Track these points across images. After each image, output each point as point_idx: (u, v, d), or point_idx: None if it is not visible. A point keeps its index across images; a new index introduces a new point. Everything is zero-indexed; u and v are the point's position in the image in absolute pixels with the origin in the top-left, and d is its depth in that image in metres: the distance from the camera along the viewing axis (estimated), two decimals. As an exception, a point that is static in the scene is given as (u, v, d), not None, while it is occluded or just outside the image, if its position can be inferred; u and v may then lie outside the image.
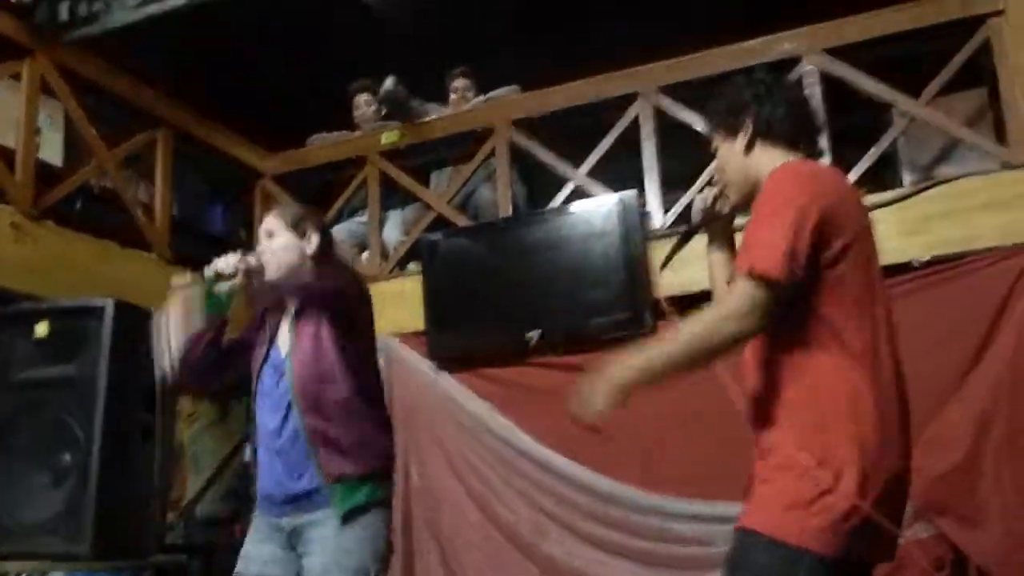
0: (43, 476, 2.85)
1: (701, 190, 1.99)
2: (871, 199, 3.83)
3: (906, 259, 3.65)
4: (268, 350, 2.39)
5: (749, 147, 1.86)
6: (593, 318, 4.04)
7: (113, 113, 4.43)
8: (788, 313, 1.66)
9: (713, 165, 1.96)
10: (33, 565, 2.87)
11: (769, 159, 1.83)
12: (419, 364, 4.36)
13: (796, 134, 1.86)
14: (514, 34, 5.61)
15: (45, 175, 3.87)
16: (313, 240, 2.40)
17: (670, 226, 4.14)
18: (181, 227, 4.72)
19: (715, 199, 1.95)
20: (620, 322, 3.95)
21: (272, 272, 2.34)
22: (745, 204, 1.87)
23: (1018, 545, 3.28)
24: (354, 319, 2.36)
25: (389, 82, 4.75)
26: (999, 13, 3.82)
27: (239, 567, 2.31)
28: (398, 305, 4.52)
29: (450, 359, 4.31)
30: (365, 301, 2.42)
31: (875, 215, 3.64)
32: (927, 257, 3.64)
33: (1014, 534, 3.28)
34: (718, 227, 2.02)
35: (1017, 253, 3.50)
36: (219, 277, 2.29)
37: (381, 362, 4.31)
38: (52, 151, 4.28)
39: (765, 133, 1.85)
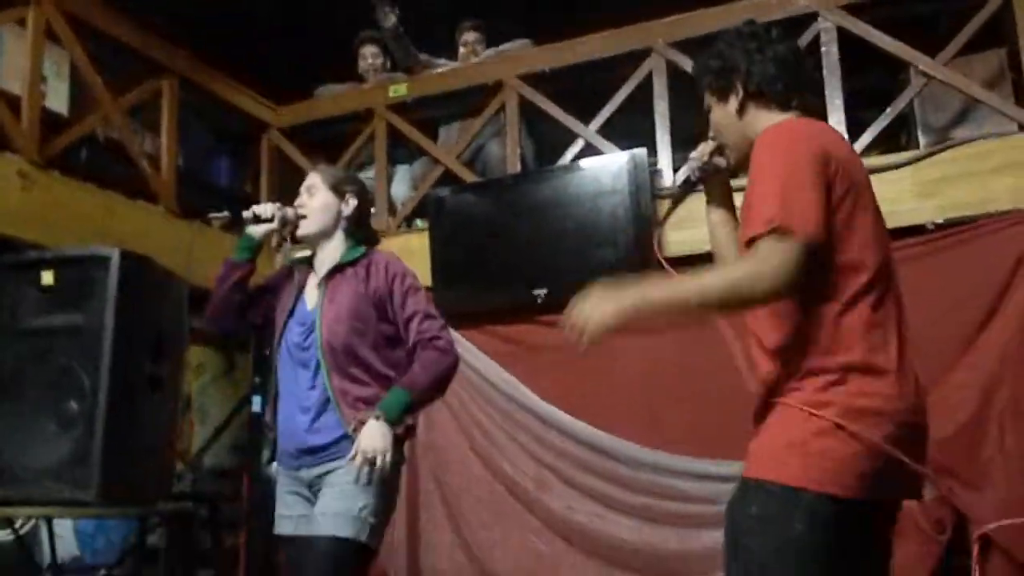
0: (50, 423, 2.85)
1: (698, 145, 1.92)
2: (886, 160, 3.80)
3: (920, 221, 3.62)
4: (295, 304, 2.42)
5: (742, 110, 1.83)
6: (601, 277, 4.00)
7: (119, 61, 4.37)
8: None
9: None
10: (40, 510, 2.89)
11: (764, 120, 1.79)
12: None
13: (789, 93, 1.82)
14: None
15: (51, 124, 3.82)
16: (351, 203, 2.45)
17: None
18: (187, 179, 4.68)
19: (711, 154, 1.90)
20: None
21: (306, 228, 2.42)
22: (745, 165, 1.82)
23: (1020, 509, 3.29)
24: None
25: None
26: (1023, -28, 3.73)
27: (277, 528, 2.40)
28: (405, 260, 4.47)
29: (456, 315, 4.27)
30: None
31: (889, 176, 3.69)
32: (941, 220, 3.61)
33: (1016, 498, 3.29)
34: (716, 184, 1.97)
35: (1031, 217, 3.46)
36: (257, 219, 2.41)
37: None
38: (58, 100, 4.24)
39: (757, 95, 1.81)
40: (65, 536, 4.68)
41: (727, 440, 3.46)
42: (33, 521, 3.80)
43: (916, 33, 4.03)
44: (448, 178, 4.66)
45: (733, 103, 1.83)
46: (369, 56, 5.18)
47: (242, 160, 5.42)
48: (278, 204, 2.44)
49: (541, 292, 4.09)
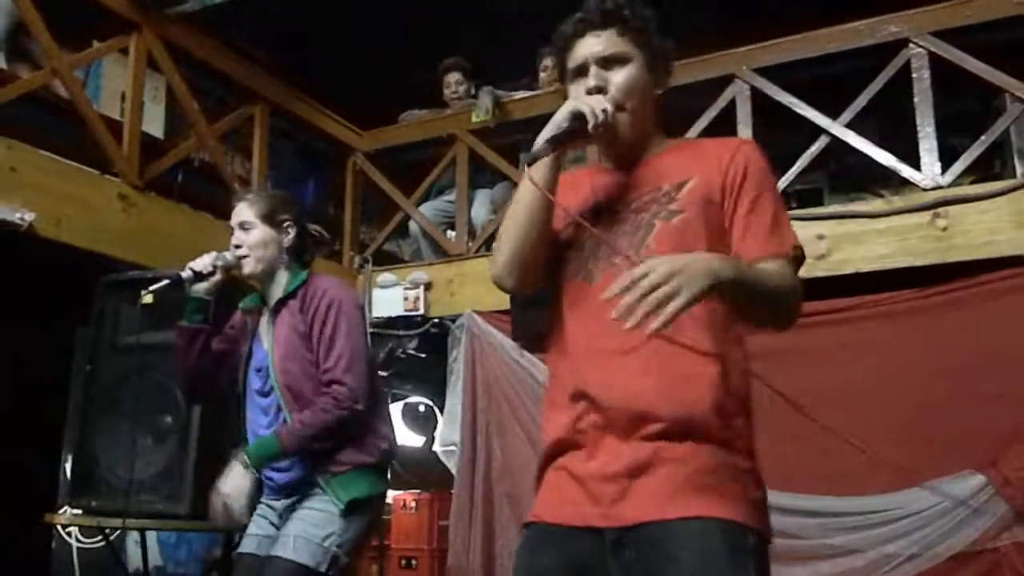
0: (145, 437, 2.94)
1: (591, 93, 1.52)
2: (981, 188, 3.70)
3: (1018, 252, 3.50)
4: (251, 348, 2.34)
5: (657, 97, 1.60)
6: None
7: (211, 86, 4.54)
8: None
9: (616, 76, 1.53)
10: (134, 522, 2.98)
11: (653, 117, 1.60)
12: (502, 341, 4.38)
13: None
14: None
15: (148, 147, 3.98)
16: (291, 232, 2.32)
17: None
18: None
19: (614, 110, 1.51)
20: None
21: (249, 268, 2.29)
22: (623, 143, 1.56)
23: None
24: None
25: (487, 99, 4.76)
26: (1125, -5, 3.61)
27: (240, 546, 2.33)
28: (483, 283, 4.55)
29: (533, 338, 4.31)
30: (359, 306, 2.34)
31: (985, 205, 3.59)
32: (1041, 251, 3.49)
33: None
34: (571, 148, 1.56)
35: None
36: (198, 277, 2.28)
37: (463, 338, 4.44)
38: (154, 124, 4.42)
39: (660, 97, 1.61)
40: (149, 545, 4.82)
41: (804, 474, 3.41)
42: (120, 531, 3.92)
43: (1010, 59, 3.92)
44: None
45: (656, 85, 1.59)
46: (453, 83, 5.26)
47: (328, 182, 5.56)
48: (214, 253, 2.29)
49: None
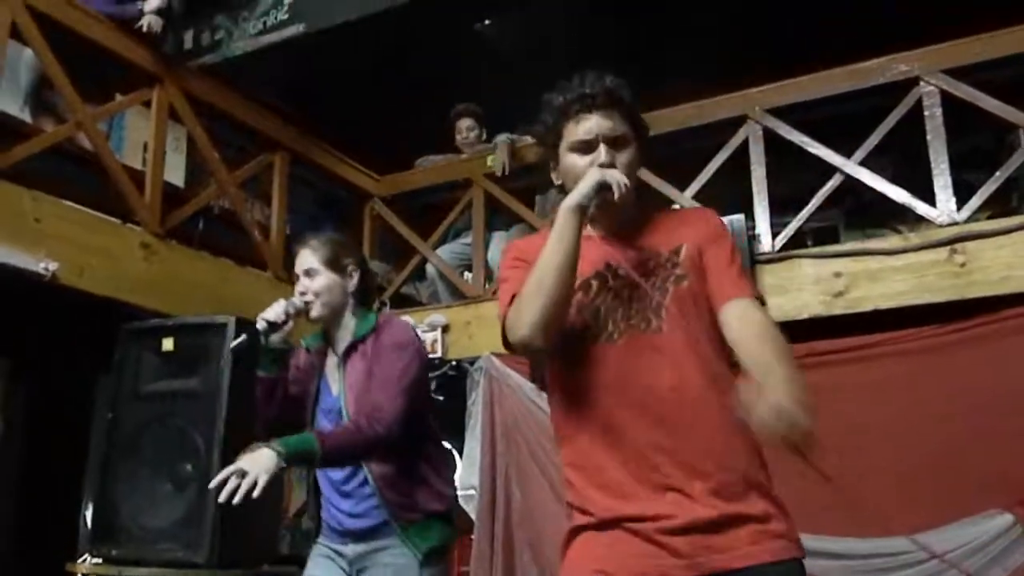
0: (166, 484, 2.96)
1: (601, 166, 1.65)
2: (998, 224, 3.69)
3: (1035, 289, 3.48)
4: (318, 389, 2.36)
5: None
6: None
7: (231, 135, 4.63)
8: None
9: (623, 157, 1.66)
10: (154, 571, 2.98)
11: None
12: (520, 383, 4.38)
13: None
14: (618, 58, 5.60)
15: (169, 196, 4.05)
16: (355, 277, 2.36)
17: (779, 250, 4.05)
18: (293, 245, 4.87)
19: (623, 186, 1.62)
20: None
21: (317, 312, 2.32)
22: (613, 214, 1.68)
23: None
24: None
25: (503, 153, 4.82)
26: None
27: None
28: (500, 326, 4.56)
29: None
30: (425, 358, 2.36)
31: (1002, 241, 3.57)
32: (1058, 287, 3.47)
33: None
34: (589, 213, 1.65)
35: None
36: (272, 327, 2.28)
37: (481, 380, 4.44)
38: (175, 173, 4.50)
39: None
40: (170, 594, 4.80)
41: (829, 515, 3.37)
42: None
43: (1022, 94, 3.94)
44: (544, 245, 4.71)
45: (640, 162, 1.73)
46: (464, 129, 5.33)
47: (346, 227, 5.62)
48: (283, 302, 2.29)
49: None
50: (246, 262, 4.47)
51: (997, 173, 3.81)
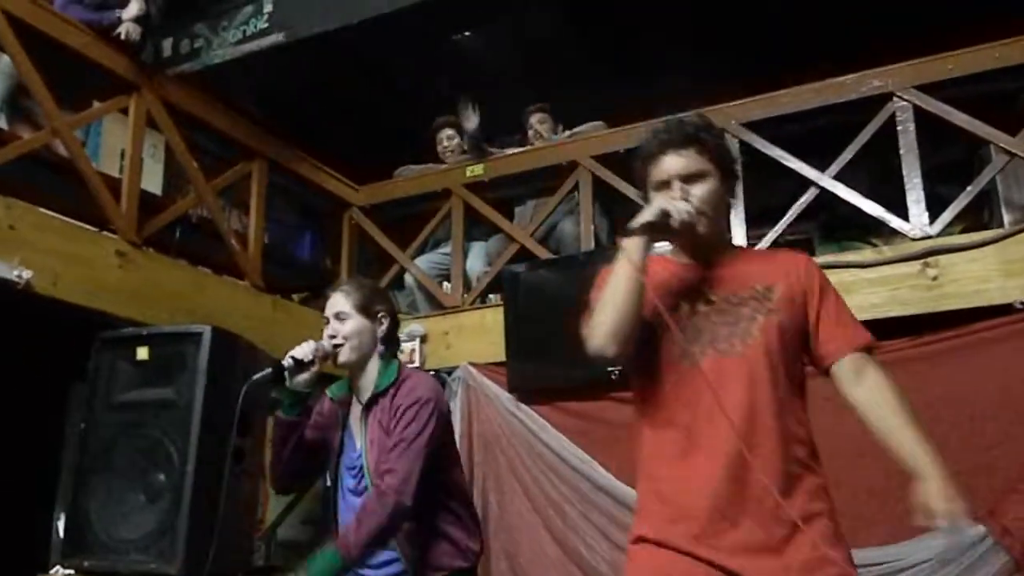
0: (138, 495, 2.92)
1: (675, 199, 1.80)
2: (970, 238, 3.74)
3: (1006, 301, 3.53)
4: (342, 443, 2.37)
5: (727, 209, 1.93)
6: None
7: (210, 144, 4.61)
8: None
9: (697, 190, 1.80)
10: (125, 582, 2.95)
11: (726, 220, 2.01)
12: (498, 394, 4.39)
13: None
14: (598, 70, 5.66)
15: (146, 204, 4.02)
16: (385, 323, 2.38)
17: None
18: (271, 255, 4.86)
19: (696, 215, 1.77)
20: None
21: (345, 357, 2.32)
22: (698, 243, 1.84)
23: None
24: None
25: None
26: (1104, 48, 3.69)
27: None
28: (479, 336, 4.57)
29: (529, 391, 4.32)
30: (444, 414, 2.34)
31: (974, 255, 3.62)
32: (1030, 299, 3.52)
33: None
34: (652, 243, 1.80)
35: None
36: (299, 367, 2.28)
37: (459, 390, 4.45)
38: (152, 181, 4.47)
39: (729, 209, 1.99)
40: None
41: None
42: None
43: (993, 110, 4.00)
44: (522, 256, 4.73)
45: (727, 196, 1.88)
46: (445, 139, 5.35)
47: (324, 237, 5.61)
48: (313, 343, 2.31)
49: (616, 369, 4.08)
50: (224, 271, 4.45)
51: (969, 187, 3.87)
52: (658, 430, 1.80)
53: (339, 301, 2.36)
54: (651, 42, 5.46)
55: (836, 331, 1.80)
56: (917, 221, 3.87)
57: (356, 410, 2.35)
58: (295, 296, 5.50)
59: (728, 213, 1.92)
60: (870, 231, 4.44)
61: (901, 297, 3.75)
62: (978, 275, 3.64)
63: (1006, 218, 3.87)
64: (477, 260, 5.06)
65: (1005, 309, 3.54)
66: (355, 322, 2.33)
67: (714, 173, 1.81)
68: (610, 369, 4.07)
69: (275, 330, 4.39)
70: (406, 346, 4.76)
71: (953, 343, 3.58)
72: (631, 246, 1.74)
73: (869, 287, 3.78)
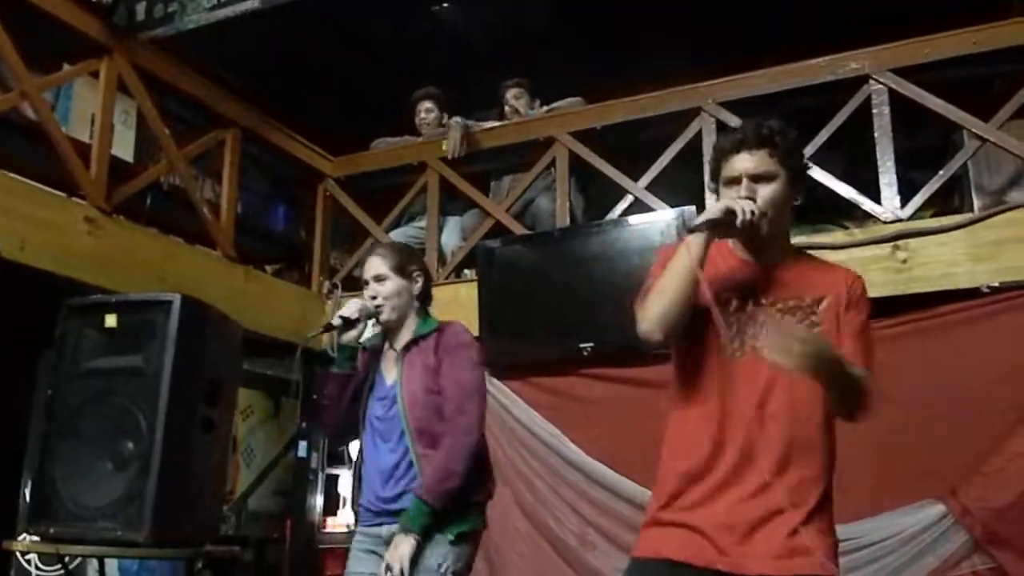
0: (106, 463, 2.89)
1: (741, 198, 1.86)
2: (939, 222, 3.78)
3: (975, 284, 3.58)
4: (374, 380, 2.55)
5: (793, 211, 1.95)
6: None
7: (183, 111, 4.55)
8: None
9: (764, 190, 1.86)
10: (92, 549, 2.94)
11: (790, 228, 2.00)
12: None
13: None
14: (580, 47, 5.64)
15: (117, 171, 3.97)
16: (419, 282, 2.56)
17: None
18: (244, 225, 4.82)
19: (759, 215, 1.83)
20: (675, 336, 3.95)
21: (387, 315, 2.51)
22: (759, 242, 1.91)
23: (1080, 583, 3.19)
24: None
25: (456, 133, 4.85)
26: (1078, 36, 3.73)
27: None
28: (452, 310, 4.53)
29: (502, 366, 4.33)
30: (480, 356, 2.53)
31: (943, 239, 3.66)
32: (996, 283, 3.57)
33: (1076, 572, 3.19)
34: (715, 238, 1.88)
35: (1090, 283, 3.41)
36: (347, 323, 2.47)
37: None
38: (124, 147, 4.41)
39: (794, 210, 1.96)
40: (110, 574, 4.74)
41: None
42: (80, 558, 3.85)
43: (969, 94, 4.03)
44: (498, 231, 4.72)
45: (793, 198, 1.92)
46: (423, 111, 5.32)
47: (298, 208, 5.57)
48: (359, 302, 2.51)
49: (587, 346, 4.11)
50: (196, 241, 4.41)
51: (940, 172, 3.90)
52: (689, 414, 1.92)
53: (377, 264, 2.53)
54: (631, 19, 5.44)
55: (849, 345, 1.86)
56: (889, 204, 3.91)
57: (390, 354, 2.54)
58: (268, 267, 5.47)
59: (792, 217, 1.96)
60: (843, 214, 4.47)
61: (871, 279, 3.70)
62: (947, 259, 3.68)
63: (976, 203, 3.91)
64: (452, 235, 5.05)
65: (972, 293, 3.60)
66: (393, 283, 2.50)
67: (783, 176, 1.88)
68: (581, 345, 4.11)
69: (247, 301, 4.37)
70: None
71: (920, 325, 3.63)
72: (694, 241, 1.81)
73: (840, 269, 3.81)
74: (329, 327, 2.52)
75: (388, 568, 2.24)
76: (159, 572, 4.98)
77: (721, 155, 1.93)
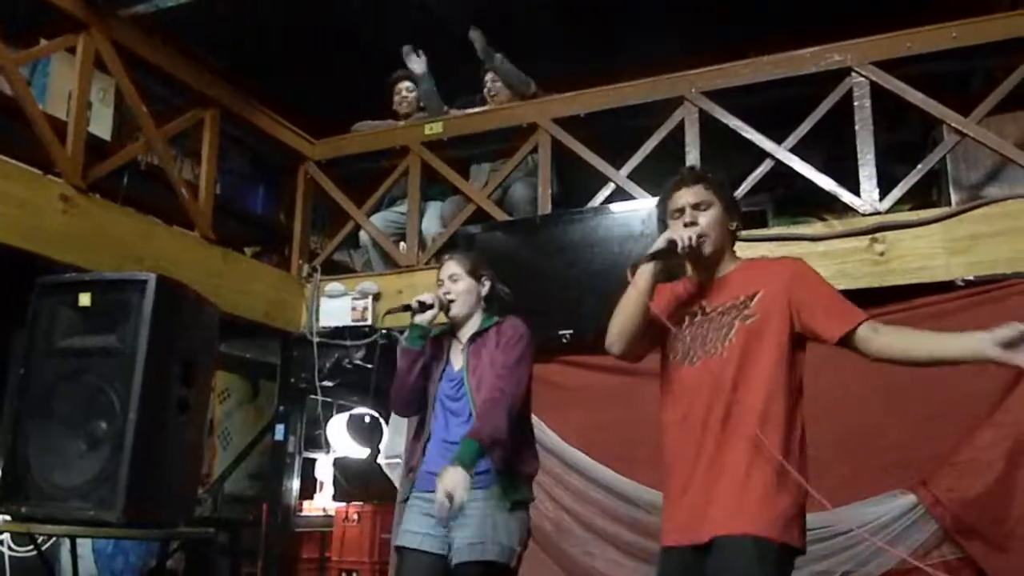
0: (79, 442, 2.88)
1: (685, 224, 2.24)
2: (917, 216, 3.81)
3: (950, 278, 3.62)
4: (444, 366, 2.84)
5: (733, 238, 2.30)
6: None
7: (162, 90, 4.49)
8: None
9: (703, 217, 2.23)
10: (64, 529, 2.92)
11: (732, 246, 2.30)
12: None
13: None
14: (564, 35, 5.62)
15: (94, 149, 3.93)
16: (487, 285, 2.89)
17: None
18: (223, 206, 4.78)
19: (697, 239, 2.18)
20: (654, 325, 3.96)
21: (457, 311, 2.83)
22: (705, 261, 2.24)
23: (1047, 573, 3.24)
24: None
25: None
26: (1058, 34, 3.75)
27: (399, 541, 2.70)
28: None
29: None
30: (533, 345, 2.82)
31: (920, 232, 3.69)
32: (971, 277, 3.60)
33: (1043, 561, 3.24)
34: (666, 265, 2.20)
35: (1063, 278, 3.44)
36: (422, 307, 2.79)
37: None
38: (102, 126, 4.35)
39: (737, 233, 2.32)
40: (84, 555, 4.71)
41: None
42: (54, 538, 3.83)
43: (949, 90, 4.05)
44: (478, 217, 4.72)
45: (731, 220, 2.27)
46: (403, 90, 5.29)
47: (278, 190, 5.52)
48: (434, 293, 2.82)
49: (567, 332, 4.11)
50: (173, 221, 4.37)
51: (919, 166, 3.93)
52: (666, 419, 2.25)
53: (452, 266, 2.87)
54: (618, 8, 5.43)
55: (837, 312, 2.13)
56: (868, 197, 3.93)
57: (457, 345, 2.86)
58: (247, 250, 5.43)
59: (732, 237, 2.30)
60: (823, 207, 4.50)
61: (849, 271, 3.81)
62: (923, 252, 3.71)
63: (953, 198, 3.94)
64: (433, 220, 5.03)
65: (948, 286, 3.63)
66: (465, 283, 2.84)
67: (717, 204, 2.25)
68: (561, 333, 4.11)
69: (225, 283, 4.34)
70: (358, 304, 4.74)
71: (896, 317, 3.63)
72: (642, 273, 2.18)
73: (818, 260, 3.83)
74: (407, 307, 2.82)
75: (449, 497, 2.35)
76: (133, 553, 4.96)
77: (666, 195, 2.30)
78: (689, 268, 2.32)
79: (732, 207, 2.29)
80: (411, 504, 2.73)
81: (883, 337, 2.09)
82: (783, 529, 2.03)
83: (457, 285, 2.84)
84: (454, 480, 2.38)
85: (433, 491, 2.51)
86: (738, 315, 2.17)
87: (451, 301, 2.82)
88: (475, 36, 4.99)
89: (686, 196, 2.25)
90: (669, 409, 2.24)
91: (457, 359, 2.84)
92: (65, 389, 2.94)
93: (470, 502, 2.45)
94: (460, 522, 2.56)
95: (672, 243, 2.15)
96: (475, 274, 2.87)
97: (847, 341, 2.11)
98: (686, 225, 2.21)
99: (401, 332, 4.56)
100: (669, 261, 2.19)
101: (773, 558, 2.00)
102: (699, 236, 2.18)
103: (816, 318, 2.13)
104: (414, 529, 2.67)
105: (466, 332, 2.86)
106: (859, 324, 2.10)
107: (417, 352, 2.81)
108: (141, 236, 3.96)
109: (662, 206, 2.33)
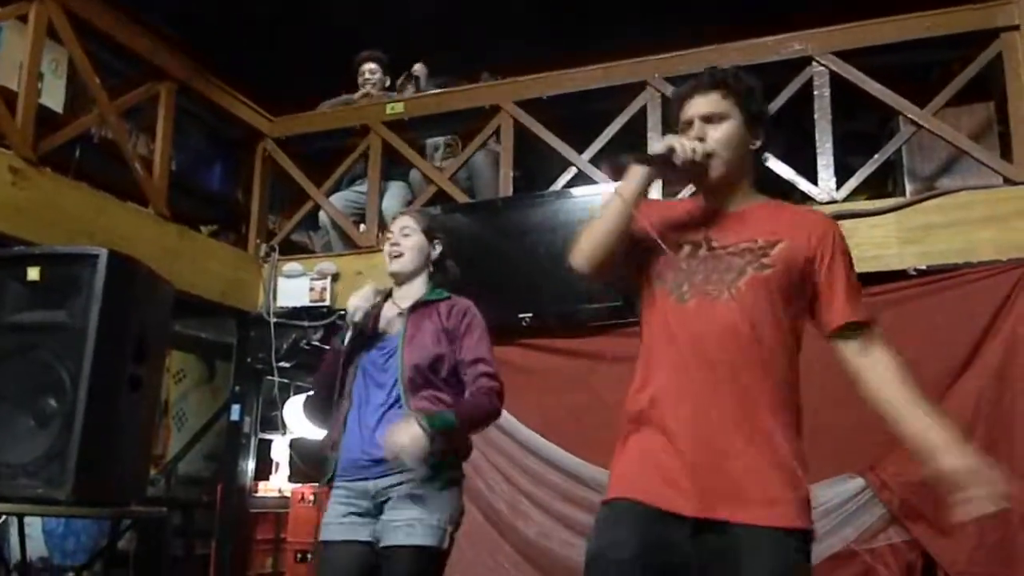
0: (27, 419, 2.81)
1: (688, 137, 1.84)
2: (872, 205, 3.87)
3: (903, 267, 3.68)
4: (375, 330, 2.61)
5: (757, 152, 1.89)
6: (586, 304, 4.06)
7: (117, 64, 4.39)
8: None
9: (714, 131, 1.82)
10: (12, 507, 2.86)
11: (751, 173, 1.91)
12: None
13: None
14: (534, 18, 5.60)
15: (46, 121, 3.83)
16: (438, 248, 2.70)
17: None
18: (178, 183, 4.69)
19: (705, 155, 1.80)
20: (613, 309, 3.98)
21: (401, 266, 2.64)
22: (711, 184, 1.85)
23: (990, 556, 3.32)
24: None
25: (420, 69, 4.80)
26: (1015, 28, 3.82)
27: (323, 535, 2.47)
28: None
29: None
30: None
31: (874, 221, 3.75)
32: (924, 266, 3.67)
33: (986, 545, 3.32)
34: (656, 177, 1.90)
35: (1012, 268, 3.52)
36: (671, 152, 2.41)
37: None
38: (54, 98, 4.25)
39: (760, 153, 1.91)
40: (34, 536, 4.64)
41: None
42: (3, 518, 3.75)
43: (907, 81, 4.11)
44: (440, 199, 4.70)
45: (752, 138, 1.87)
46: (367, 72, 5.24)
47: (235, 168, 5.43)
48: (369, 288, 2.60)
49: (526, 316, 4.12)
50: (127, 197, 4.28)
51: (875, 156, 3.98)
52: (649, 360, 1.87)
53: (406, 219, 2.70)
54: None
55: (838, 297, 1.81)
56: (825, 186, 3.98)
57: (393, 308, 2.64)
58: (204, 228, 5.34)
59: (752, 159, 1.88)
60: (785, 196, 4.54)
61: None
62: (878, 241, 3.77)
63: (908, 188, 4.01)
64: (394, 200, 4.99)
65: (902, 275, 3.69)
66: (417, 238, 2.65)
67: (735, 117, 1.84)
68: (520, 316, 4.12)
69: (180, 260, 4.27)
70: (316, 284, 4.69)
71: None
72: (630, 175, 1.82)
73: (775, 247, 3.87)
74: (354, 325, 2.57)
75: (389, 440, 2.23)
76: (85, 534, 4.90)
77: (678, 101, 1.91)
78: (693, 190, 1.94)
79: (755, 122, 1.87)
80: (334, 492, 2.52)
81: (862, 360, 1.85)
82: (809, 514, 1.77)
83: (408, 240, 2.65)
84: (408, 435, 2.23)
85: (355, 480, 2.43)
86: (753, 261, 1.79)
87: (398, 255, 2.63)
88: (419, 70, 4.95)
89: (697, 105, 1.85)
90: (650, 344, 1.87)
91: (393, 324, 2.61)
92: (13, 365, 2.87)
93: (402, 487, 2.35)
94: (388, 503, 2.39)
95: (671, 150, 1.77)
96: (429, 234, 2.68)
97: (840, 334, 1.83)
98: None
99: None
100: (664, 171, 1.84)
101: (808, 549, 1.74)
102: (705, 154, 1.80)
103: (820, 294, 1.82)
104: (336, 520, 2.45)
105: (405, 296, 2.65)
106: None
107: (347, 350, 2.60)
108: (93, 211, 3.88)
109: (674, 115, 1.92)
